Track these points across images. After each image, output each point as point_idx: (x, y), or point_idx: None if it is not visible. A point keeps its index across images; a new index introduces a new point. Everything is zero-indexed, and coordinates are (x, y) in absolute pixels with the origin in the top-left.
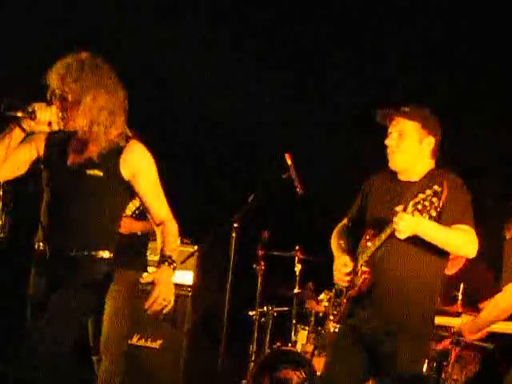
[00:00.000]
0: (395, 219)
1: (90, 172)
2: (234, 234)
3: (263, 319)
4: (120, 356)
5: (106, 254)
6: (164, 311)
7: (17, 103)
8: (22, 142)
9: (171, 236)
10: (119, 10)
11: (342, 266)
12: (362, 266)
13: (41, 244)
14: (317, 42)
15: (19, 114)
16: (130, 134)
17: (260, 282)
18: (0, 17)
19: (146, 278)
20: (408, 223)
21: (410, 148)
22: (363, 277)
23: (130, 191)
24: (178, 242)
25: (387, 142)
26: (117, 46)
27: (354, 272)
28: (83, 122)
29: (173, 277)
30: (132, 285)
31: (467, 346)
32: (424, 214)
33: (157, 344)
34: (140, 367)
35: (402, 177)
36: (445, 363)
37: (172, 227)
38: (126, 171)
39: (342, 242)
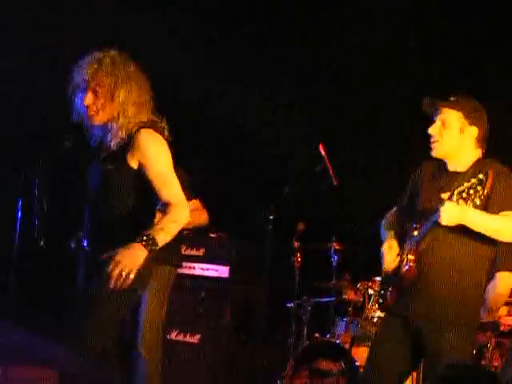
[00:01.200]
0: (441, 208)
1: (105, 167)
2: (269, 227)
3: (301, 311)
4: (158, 351)
5: None
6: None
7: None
8: None
9: (168, 220)
10: None
11: (387, 249)
12: (407, 254)
13: (78, 241)
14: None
15: None
16: (145, 122)
17: (297, 273)
18: None
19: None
20: (453, 211)
21: (452, 137)
22: (409, 265)
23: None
24: (171, 226)
25: (430, 130)
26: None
27: (401, 260)
28: (113, 114)
29: (143, 256)
30: (168, 281)
31: (506, 332)
32: (468, 202)
33: (195, 338)
34: (179, 362)
35: (449, 167)
36: (485, 350)
37: (175, 214)
38: (133, 161)
39: (390, 230)
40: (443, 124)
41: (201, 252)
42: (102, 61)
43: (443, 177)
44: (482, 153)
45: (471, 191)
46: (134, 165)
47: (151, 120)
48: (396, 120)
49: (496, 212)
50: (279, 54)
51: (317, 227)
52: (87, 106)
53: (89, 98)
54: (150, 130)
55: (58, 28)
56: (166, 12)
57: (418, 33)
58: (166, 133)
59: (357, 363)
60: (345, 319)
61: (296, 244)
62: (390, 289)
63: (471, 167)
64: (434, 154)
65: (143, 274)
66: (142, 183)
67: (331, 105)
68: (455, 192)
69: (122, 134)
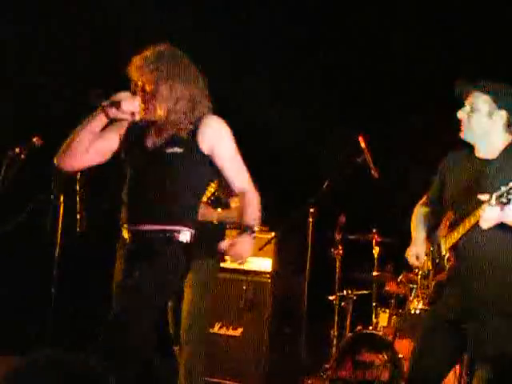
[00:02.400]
0: (481, 212)
1: (170, 150)
2: (310, 219)
3: (343, 303)
4: (201, 345)
5: (184, 236)
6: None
7: (102, 93)
8: (104, 129)
9: (251, 206)
10: None
11: (410, 255)
12: (447, 251)
13: (124, 227)
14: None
15: (104, 104)
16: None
17: (338, 266)
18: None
19: (224, 243)
20: (493, 216)
21: (480, 122)
22: (450, 263)
23: (210, 169)
24: (256, 210)
25: (458, 114)
26: None
27: (441, 257)
28: (161, 111)
29: (251, 244)
30: (211, 273)
31: None
32: (509, 205)
33: (238, 332)
34: (222, 355)
35: (478, 153)
36: None
37: (252, 198)
38: (204, 145)
39: (421, 222)
40: (472, 109)
41: None
42: (148, 57)
43: (473, 165)
44: None
45: (510, 196)
46: (204, 149)
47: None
48: (436, 110)
49: None
50: (313, 54)
51: (358, 219)
52: (138, 103)
53: (138, 93)
54: (216, 117)
55: None
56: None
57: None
58: None
59: (400, 355)
60: (387, 311)
61: (337, 236)
62: (432, 283)
63: (501, 154)
64: (463, 137)
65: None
66: (207, 169)
67: (372, 97)
68: (494, 196)
69: (182, 127)
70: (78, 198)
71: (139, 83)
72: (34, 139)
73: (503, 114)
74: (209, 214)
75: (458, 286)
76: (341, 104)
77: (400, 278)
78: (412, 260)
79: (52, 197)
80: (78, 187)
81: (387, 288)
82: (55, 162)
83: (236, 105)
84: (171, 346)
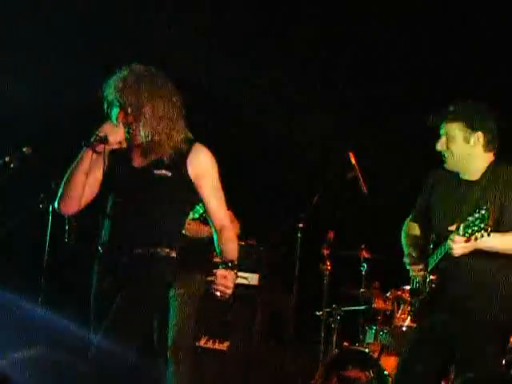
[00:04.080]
0: (449, 242)
1: (158, 172)
2: (299, 235)
3: (330, 319)
4: (187, 358)
5: (170, 253)
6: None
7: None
8: None
9: (230, 243)
10: None
11: (411, 265)
12: (429, 274)
13: (104, 245)
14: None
15: (94, 142)
16: (191, 137)
17: (326, 281)
18: None
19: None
20: (461, 246)
21: (459, 150)
22: (431, 285)
23: (193, 194)
24: (236, 245)
25: (437, 147)
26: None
27: (423, 278)
28: (145, 132)
29: (234, 277)
30: (197, 288)
31: None
32: (477, 234)
33: (224, 346)
34: (208, 369)
35: (462, 176)
36: None
37: (231, 234)
38: (192, 172)
39: (410, 237)
40: (448, 138)
41: None
42: (127, 79)
43: (458, 188)
44: (494, 154)
45: (475, 228)
46: (191, 176)
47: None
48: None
49: (511, 224)
50: (308, 61)
51: (346, 235)
52: (120, 123)
53: (120, 116)
54: (204, 147)
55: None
56: None
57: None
58: None
59: (385, 372)
60: (374, 328)
61: (325, 252)
62: (417, 301)
63: (483, 174)
64: (447, 167)
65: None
66: (191, 194)
67: (362, 113)
68: (461, 226)
69: (166, 148)
70: None
71: (118, 104)
72: (25, 149)
73: (479, 135)
74: (201, 230)
75: (441, 306)
76: (333, 120)
77: (388, 294)
78: (413, 268)
79: (41, 205)
80: None
81: (374, 304)
82: (56, 207)
83: (234, 116)
84: (156, 359)
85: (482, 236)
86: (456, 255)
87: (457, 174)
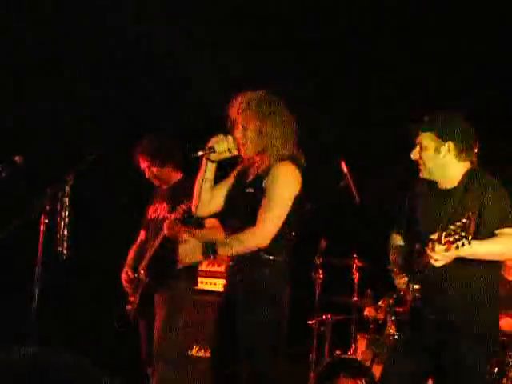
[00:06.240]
0: (429, 252)
1: (248, 190)
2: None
3: (322, 328)
4: (175, 366)
5: None
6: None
7: (196, 145)
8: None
9: (235, 238)
10: None
11: (394, 275)
12: (413, 284)
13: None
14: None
15: (201, 153)
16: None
17: (318, 290)
18: None
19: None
20: (442, 255)
21: (430, 159)
22: (415, 294)
23: None
24: (236, 247)
25: (411, 155)
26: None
27: (407, 287)
28: (262, 146)
29: (197, 256)
30: (182, 296)
31: None
32: (458, 242)
33: None
34: (199, 378)
35: (441, 185)
36: (506, 368)
37: (246, 235)
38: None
39: (394, 247)
40: (421, 148)
41: (222, 268)
42: (251, 102)
43: (436, 198)
44: (472, 162)
45: (456, 236)
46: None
47: (293, 154)
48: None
49: (490, 232)
50: (300, 67)
51: (339, 244)
52: (238, 139)
53: (238, 132)
54: (287, 162)
55: None
56: None
57: None
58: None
59: (377, 380)
60: (366, 336)
61: (318, 260)
62: (402, 310)
63: (460, 183)
64: (422, 176)
65: None
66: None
67: (354, 121)
68: (443, 235)
69: (269, 162)
70: (60, 220)
71: (240, 122)
72: (16, 158)
73: (450, 145)
74: (180, 232)
75: (424, 316)
76: (325, 128)
77: (380, 303)
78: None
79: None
80: (61, 207)
81: (366, 313)
82: (195, 212)
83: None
84: (144, 369)
85: (463, 245)
86: (437, 265)
87: (436, 184)
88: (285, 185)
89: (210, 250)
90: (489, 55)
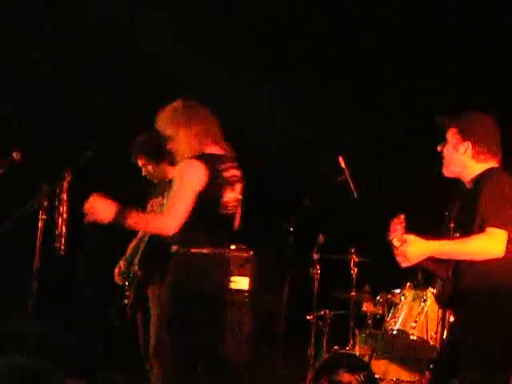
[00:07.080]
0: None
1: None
2: (289, 238)
3: (320, 323)
4: (170, 363)
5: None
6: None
7: None
8: None
9: (144, 217)
10: None
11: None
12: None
13: None
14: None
15: None
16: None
17: (316, 285)
18: None
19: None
20: (399, 257)
21: (450, 155)
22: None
23: None
24: (140, 225)
25: (438, 147)
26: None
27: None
28: (179, 149)
29: (106, 211)
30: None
31: None
32: (394, 241)
33: None
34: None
35: (464, 185)
36: None
37: (154, 217)
38: None
39: None
40: (446, 141)
41: None
42: (167, 113)
43: (461, 197)
44: (494, 166)
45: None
46: None
47: (206, 153)
48: (421, 131)
49: (481, 224)
50: (300, 71)
51: (337, 239)
52: (170, 150)
53: (168, 143)
54: (191, 159)
55: None
56: None
57: None
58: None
59: (376, 376)
60: (364, 331)
61: (316, 256)
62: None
63: (473, 183)
64: (442, 170)
65: None
66: None
67: (353, 117)
68: (395, 238)
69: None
70: (57, 216)
71: (166, 133)
72: (14, 154)
73: (467, 145)
74: None
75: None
76: (321, 124)
77: (378, 298)
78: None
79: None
80: (59, 203)
81: (364, 308)
82: None
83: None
84: (143, 364)
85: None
86: (404, 265)
87: (463, 184)
88: (184, 180)
89: (119, 218)
90: None
